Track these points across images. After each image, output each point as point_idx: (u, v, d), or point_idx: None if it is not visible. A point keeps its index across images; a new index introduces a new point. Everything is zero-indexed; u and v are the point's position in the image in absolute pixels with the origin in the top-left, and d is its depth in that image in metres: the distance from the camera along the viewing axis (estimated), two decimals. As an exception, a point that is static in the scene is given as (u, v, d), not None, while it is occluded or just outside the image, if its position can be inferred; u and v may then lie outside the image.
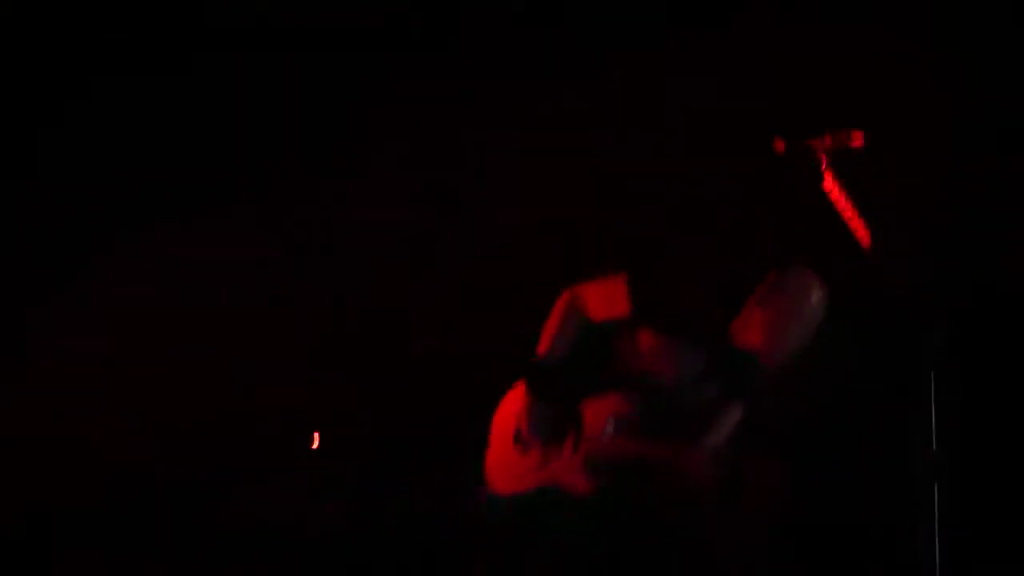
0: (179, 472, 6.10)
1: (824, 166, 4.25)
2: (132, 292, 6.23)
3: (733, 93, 5.74)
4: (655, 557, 4.65)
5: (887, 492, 5.34)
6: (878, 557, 5.41)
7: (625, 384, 4.68)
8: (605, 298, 4.74)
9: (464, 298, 6.06)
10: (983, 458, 5.38)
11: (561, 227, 5.97)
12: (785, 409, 5.04)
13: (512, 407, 4.81)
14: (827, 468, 5.43)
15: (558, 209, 5.99)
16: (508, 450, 4.75)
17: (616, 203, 5.91)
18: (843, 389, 5.47)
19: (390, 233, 6.16)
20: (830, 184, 4.23)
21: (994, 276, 5.50)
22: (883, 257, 4.22)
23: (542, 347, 4.79)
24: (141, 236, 6.23)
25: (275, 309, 6.20)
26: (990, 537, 5.36)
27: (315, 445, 6.04)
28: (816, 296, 4.60)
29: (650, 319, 4.67)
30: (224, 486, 6.05)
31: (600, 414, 4.68)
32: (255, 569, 5.93)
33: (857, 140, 4.26)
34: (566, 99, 6.03)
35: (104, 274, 6.23)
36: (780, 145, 4.28)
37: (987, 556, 5.29)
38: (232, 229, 6.24)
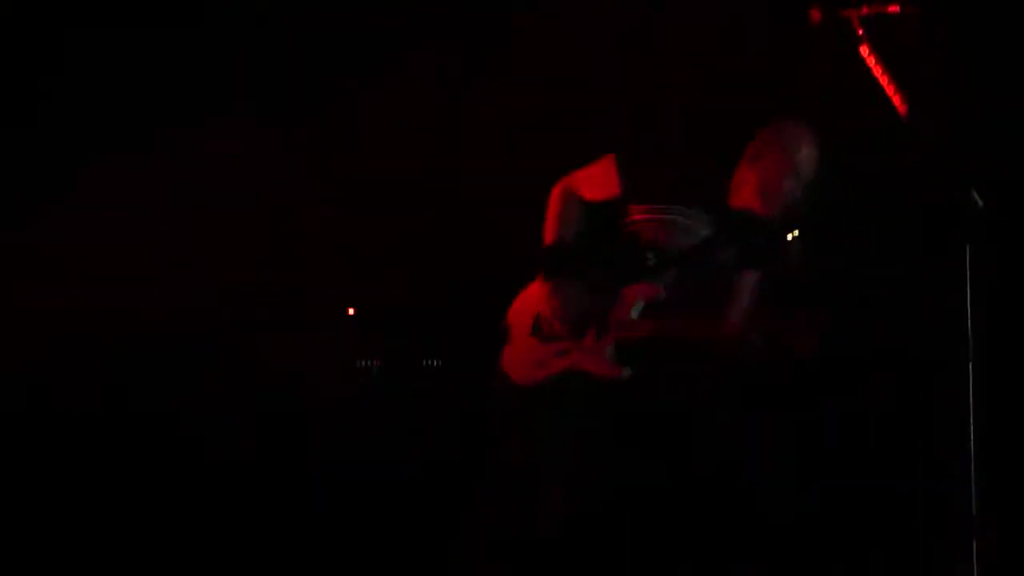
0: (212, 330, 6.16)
1: (861, 34, 4.22)
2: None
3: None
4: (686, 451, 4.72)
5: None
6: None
7: (637, 263, 4.71)
8: (597, 180, 4.76)
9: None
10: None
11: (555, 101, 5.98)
12: (805, 261, 5.06)
13: (528, 300, 4.82)
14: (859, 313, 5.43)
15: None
16: (527, 341, 4.76)
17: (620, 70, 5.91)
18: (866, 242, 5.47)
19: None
20: (867, 53, 4.21)
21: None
22: (919, 126, 4.19)
23: (548, 237, 4.80)
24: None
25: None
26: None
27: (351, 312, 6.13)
28: (807, 146, 4.62)
29: (645, 193, 4.69)
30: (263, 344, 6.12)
31: (623, 298, 4.70)
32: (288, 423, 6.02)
33: (894, 7, 4.22)
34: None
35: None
36: (816, 14, 4.26)
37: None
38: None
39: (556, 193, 4.84)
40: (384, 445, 6.00)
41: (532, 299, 4.79)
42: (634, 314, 4.69)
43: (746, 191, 4.68)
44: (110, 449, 6.06)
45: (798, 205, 4.64)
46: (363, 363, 6.11)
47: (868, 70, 4.18)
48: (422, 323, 6.08)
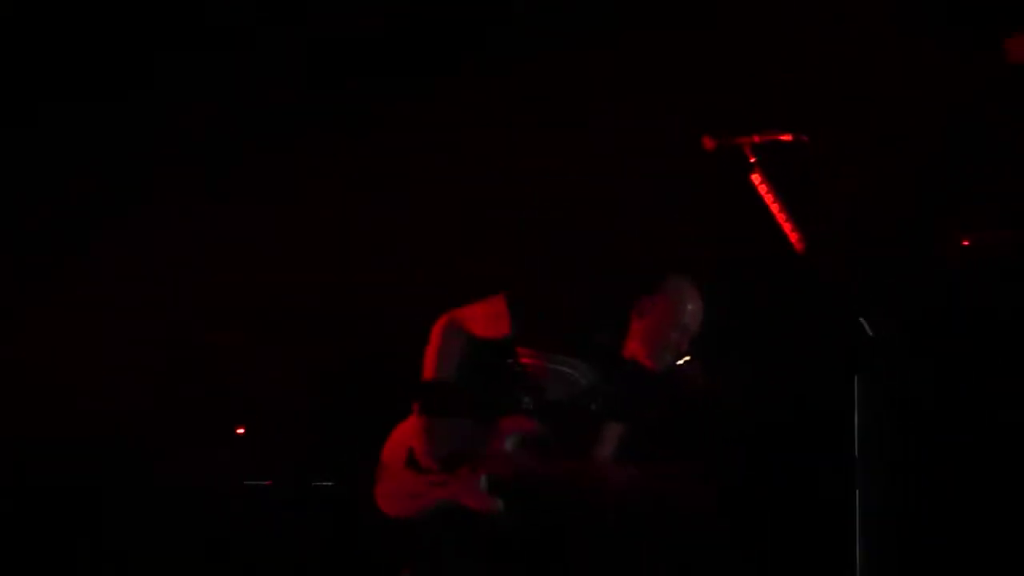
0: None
1: (753, 163, 4.26)
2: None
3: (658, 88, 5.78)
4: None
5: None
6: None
7: (515, 402, 4.71)
8: (487, 318, 4.74)
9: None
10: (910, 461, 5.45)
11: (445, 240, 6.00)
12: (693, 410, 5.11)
13: (404, 433, 4.77)
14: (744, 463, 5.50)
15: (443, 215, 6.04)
16: (402, 473, 4.73)
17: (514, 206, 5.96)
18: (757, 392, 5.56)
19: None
20: (759, 181, 4.25)
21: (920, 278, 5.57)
22: (813, 253, 4.23)
23: (428, 370, 4.76)
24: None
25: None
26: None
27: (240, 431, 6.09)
28: (693, 302, 4.68)
29: (533, 336, 4.70)
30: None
31: (498, 433, 4.69)
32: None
33: (786, 137, 4.27)
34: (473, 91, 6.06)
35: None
36: (710, 143, 4.30)
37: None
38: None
39: (441, 326, 4.80)
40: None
41: (408, 432, 4.75)
42: (509, 447, 4.68)
43: (634, 344, 4.71)
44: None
45: (681, 358, 4.69)
46: (253, 483, 6.03)
47: (760, 198, 4.23)
48: (313, 441, 6.03)
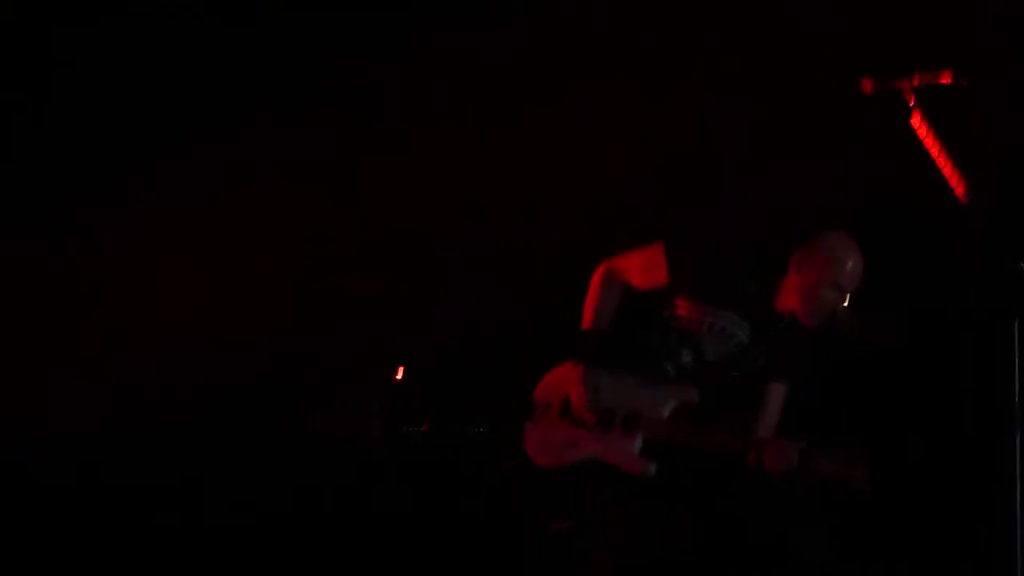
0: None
1: (913, 106, 4.20)
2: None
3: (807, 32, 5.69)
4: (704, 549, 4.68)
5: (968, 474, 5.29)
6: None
7: (674, 355, 4.67)
8: (645, 267, 4.70)
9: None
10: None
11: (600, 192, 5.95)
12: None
13: (559, 380, 4.77)
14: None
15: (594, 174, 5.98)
16: (554, 422, 4.72)
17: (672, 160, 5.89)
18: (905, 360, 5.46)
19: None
20: (919, 124, 4.19)
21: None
22: (973, 201, 4.16)
23: (587, 319, 4.75)
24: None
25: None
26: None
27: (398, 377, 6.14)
28: (852, 259, 4.57)
29: (691, 285, 4.66)
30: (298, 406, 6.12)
31: (657, 397, 4.66)
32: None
33: (946, 78, 4.20)
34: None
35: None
36: (868, 85, 4.24)
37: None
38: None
39: (599, 275, 4.78)
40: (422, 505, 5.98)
41: (563, 380, 4.73)
42: (665, 413, 4.65)
43: (790, 298, 4.62)
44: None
45: (841, 316, 4.59)
46: (408, 428, 6.09)
47: (919, 141, 4.17)
48: (469, 389, 6.06)
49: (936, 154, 4.17)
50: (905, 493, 5.40)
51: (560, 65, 6.00)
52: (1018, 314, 4.13)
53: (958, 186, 4.17)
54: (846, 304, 4.55)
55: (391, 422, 6.08)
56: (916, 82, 4.22)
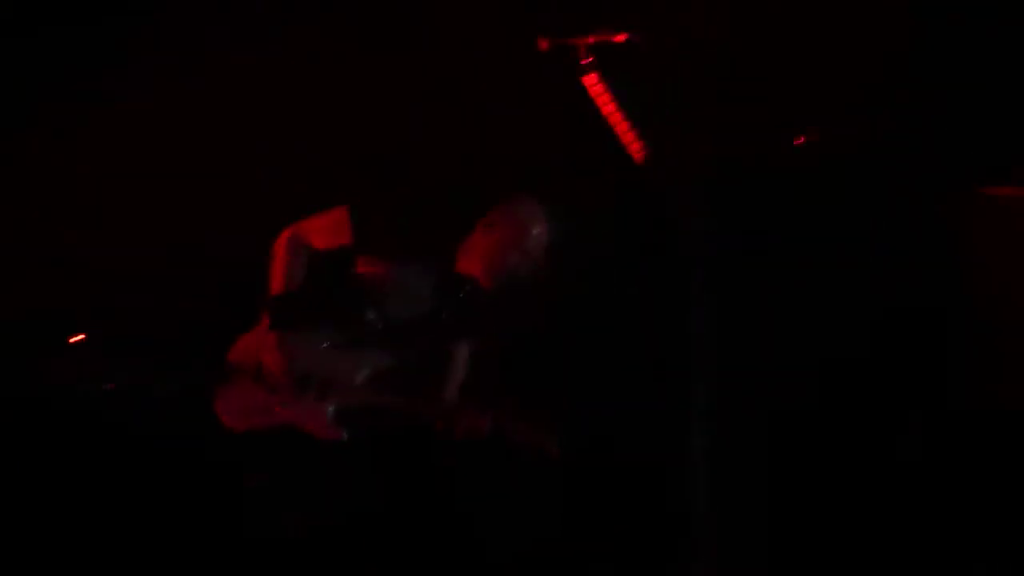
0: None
1: (587, 64, 4.26)
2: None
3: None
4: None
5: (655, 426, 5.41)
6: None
7: (358, 314, 4.69)
8: (328, 229, 4.69)
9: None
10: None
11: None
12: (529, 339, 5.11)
13: (251, 344, 4.70)
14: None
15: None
16: (247, 386, 4.70)
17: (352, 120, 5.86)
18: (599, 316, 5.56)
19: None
20: (593, 82, 4.25)
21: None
22: (648, 157, 4.25)
23: (274, 285, 4.69)
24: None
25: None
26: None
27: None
28: (539, 226, 4.60)
29: (374, 247, 4.67)
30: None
31: (352, 362, 4.68)
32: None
33: (620, 37, 4.27)
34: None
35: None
36: (544, 43, 4.28)
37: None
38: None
39: (283, 240, 4.72)
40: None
41: (256, 344, 4.70)
42: (359, 379, 4.66)
43: (472, 258, 4.67)
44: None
45: (521, 281, 4.65)
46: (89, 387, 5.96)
47: (593, 102, 4.24)
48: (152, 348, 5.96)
49: (610, 112, 4.24)
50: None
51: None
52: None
53: (633, 144, 4.26)
54: (525, 270, 4.61)
55: (73, 382, 5.94)
56: (591, 40, 4.28)
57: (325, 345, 4.65)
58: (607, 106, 4.25)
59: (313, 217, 4.74)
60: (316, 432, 4.60)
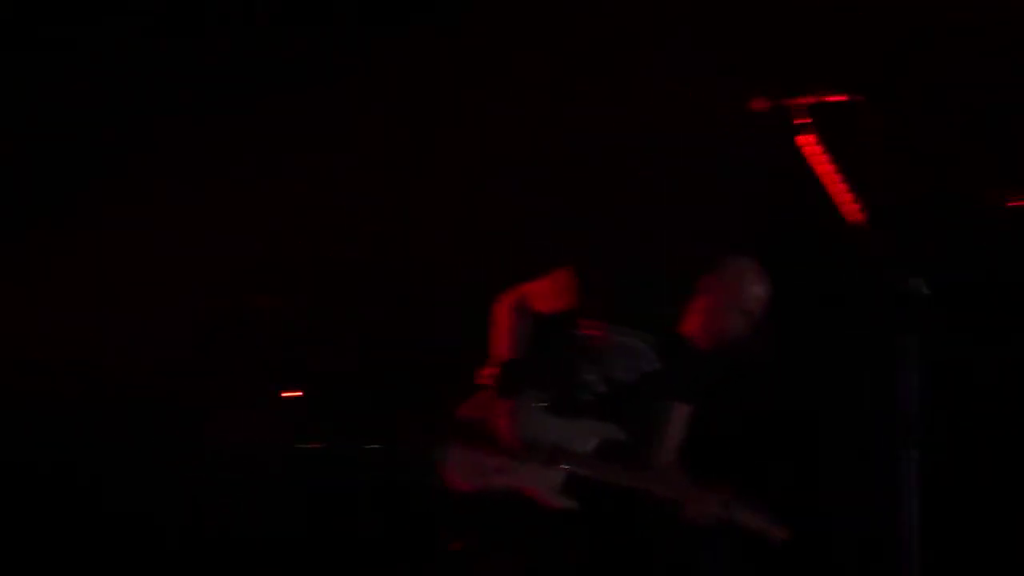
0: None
1: (804, 125, 4.20)
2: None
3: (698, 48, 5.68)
4: None
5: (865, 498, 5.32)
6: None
7: (580, 377, 4.67)
8: (551, 293, 4.69)
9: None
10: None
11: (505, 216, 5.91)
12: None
13: (481, 406, 4.72)
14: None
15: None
16: (476, 447, 4.68)
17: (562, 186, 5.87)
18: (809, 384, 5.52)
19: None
20: (809, 142, 4.18)
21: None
22: (867, 226, 4.17)
23: (501, 351, 4.72)
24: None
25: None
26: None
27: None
28: (755, 284, 4.60)
29: (597, 309, 4.64)
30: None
31: (582, 431, 4.65)
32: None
33: (839, 97, 4.20)
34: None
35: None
36: (760, 103, 4.23)
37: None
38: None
39: (507, 306, 4.75)
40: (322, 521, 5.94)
41: (485, 406, 4.70)
42: (588, 448, 4.64)
43: (693, 321, 4.64)
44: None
45: (744, 342, 4.60)
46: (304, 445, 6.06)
47: (809, 161, 4.17)
48: (366, 407, 6.03)
49: (828, 173, 4.18)
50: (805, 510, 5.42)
51: (452, 84, 5.98)
52: (915, 330, 4.14)
53: (851, 205, 4.18)
54: (749, 330, 4.56)
55: (288, 437, 6.04)
56: (809, 99, 4.22)
57: (553, 411, 4.65)
58: (823, 166, 4.18)
59: (536, 280, 4.74)
60: (540, 499, 4.59)
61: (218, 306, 6.28)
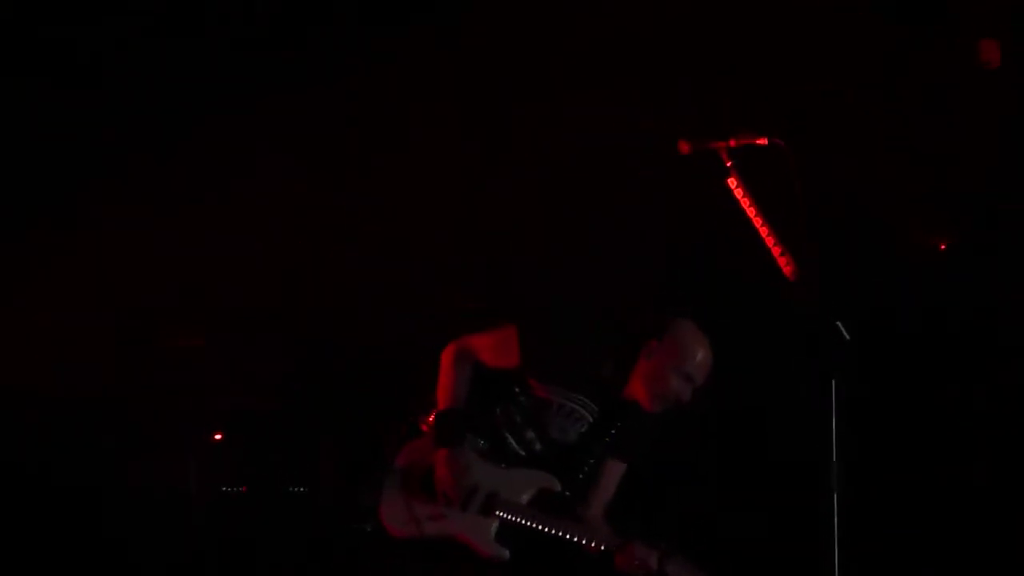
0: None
1: (729, 167, 4.25)
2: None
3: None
4: None
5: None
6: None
7: (520, 434, 4.70)
8: (496, 347, 4.67)
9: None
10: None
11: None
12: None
13: (419, 452, 4.71)
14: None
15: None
16: (414, 495, 4.69)
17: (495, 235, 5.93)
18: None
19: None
20: (736, 185, 4.24)
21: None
22: (791, 260, 4.22)
23: (443, 398, 4.70)
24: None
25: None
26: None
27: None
28: (699, 351, 4.59)
29: (542, 368, 4.65)
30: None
31: (518, 480, 4.67)
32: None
33: (762, 140, 4.26)
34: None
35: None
36: (685, 146, 4.28)
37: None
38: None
39: (451, 353, 4.74)
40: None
41: (425, 455, 4.71)
42: (524, 499, 4.66)
43: (636, 386, 4.66)
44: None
45: (682, 405, 4.64)
46: (228, 489, 6.01)
47: (736, 202, 4.22)
48: (289, 450, 6.00)
49: (753, 214, 4.23)
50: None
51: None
52: (835, 371, 4.19)
53: (774, 246, 4.23)
54: (690, 394, 4.60)
55: (209, 482, 6.00)
56: (732, 143, 4.28)
57: (493, 461, 4.67)
58: (750, 209, 4.24)
59: (482, 333, 4.75)
60: (476, 547, 4.59)
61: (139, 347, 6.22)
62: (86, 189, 6.06)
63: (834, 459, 4.10)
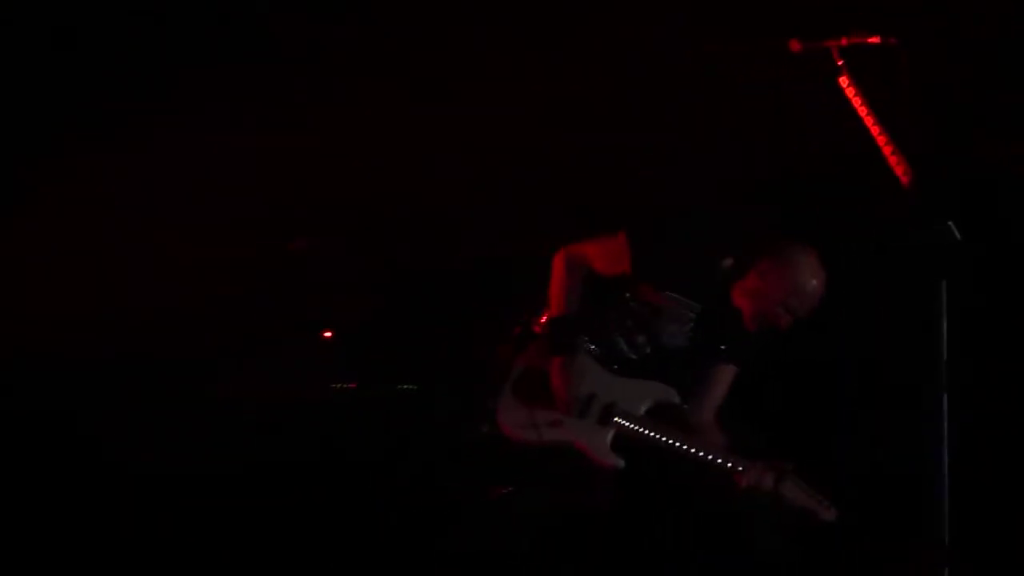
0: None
1: (841, 66, 4.22)
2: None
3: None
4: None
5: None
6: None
7: (630, 343, 4.71)
8: (609, 254, 4.69)
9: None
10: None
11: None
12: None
13: (537, 358, 4.72)
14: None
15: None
16: (532, 399, 4.68)
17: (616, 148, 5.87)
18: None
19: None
20: (846, 84, 4.20)
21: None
22: (896, 158, 4.18)
23: (556, 305, 4.72)
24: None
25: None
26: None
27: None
28: (812, 284, 4.58)
29: (653, 273, 4.66)
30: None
31: (636, 391, 4.68)
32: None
33: (874, 39, 4.22)
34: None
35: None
36: (796, 45, 4.25)
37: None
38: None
39: (563, 260, 4.77)
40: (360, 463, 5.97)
41: (541, 357, 4.72)
42: (642, 409, 4.67)
43: (743, 301, 4.65)
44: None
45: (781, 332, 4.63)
46: (338, 385, 6.07)
47: (847, 101, 4.19)
48: (401, 347, 6.05)
49: (865, 114, 4.20)
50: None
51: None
52: (944, 275, 4.16)
53: (886, 145, 4.20)
54: (790, 326, 4.59)
55: (320, 380, 6.06)
56: (844, 42, 4.24)
57: (605, 369, 4.69)
58: (862, 109, 4.20)
59: (593, 240, 4.77)
60: (592, 456, 4.62)
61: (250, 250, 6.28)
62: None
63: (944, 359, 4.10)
